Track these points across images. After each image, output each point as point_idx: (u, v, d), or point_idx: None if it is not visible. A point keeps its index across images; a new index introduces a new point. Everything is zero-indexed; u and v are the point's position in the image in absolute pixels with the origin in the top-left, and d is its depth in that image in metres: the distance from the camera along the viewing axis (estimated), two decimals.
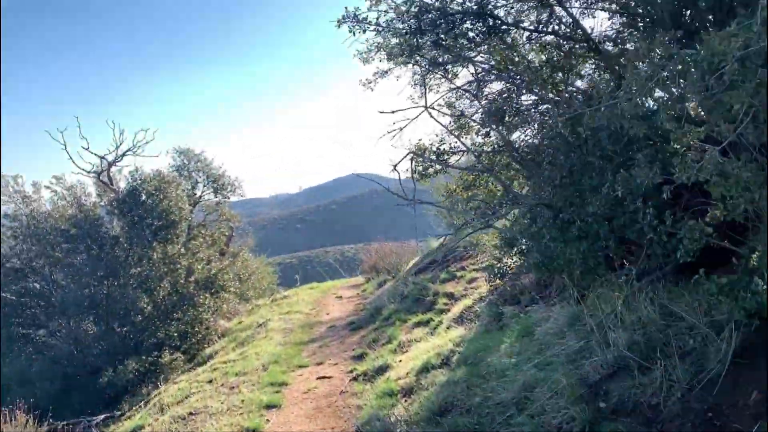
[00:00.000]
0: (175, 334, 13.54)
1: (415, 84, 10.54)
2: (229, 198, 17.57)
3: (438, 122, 9.89)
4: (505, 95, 9.67)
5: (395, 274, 18.51)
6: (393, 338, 10.68)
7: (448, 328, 9.81)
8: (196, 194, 17.34)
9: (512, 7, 8.96)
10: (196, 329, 14.07)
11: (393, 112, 9.70)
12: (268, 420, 7.60)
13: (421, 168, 10.68)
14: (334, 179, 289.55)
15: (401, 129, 10.08)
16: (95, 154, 15.56)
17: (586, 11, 8.63)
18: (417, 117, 10.53)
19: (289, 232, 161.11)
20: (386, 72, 10.57)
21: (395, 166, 10.33)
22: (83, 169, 15.56)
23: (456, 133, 10.50)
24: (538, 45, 9.09)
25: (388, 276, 18.84)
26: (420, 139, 10.69)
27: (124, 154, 15.46)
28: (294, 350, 11.12)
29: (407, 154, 10.49)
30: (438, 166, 10.12)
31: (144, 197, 13.94)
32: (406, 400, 6.97)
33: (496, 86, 10.14)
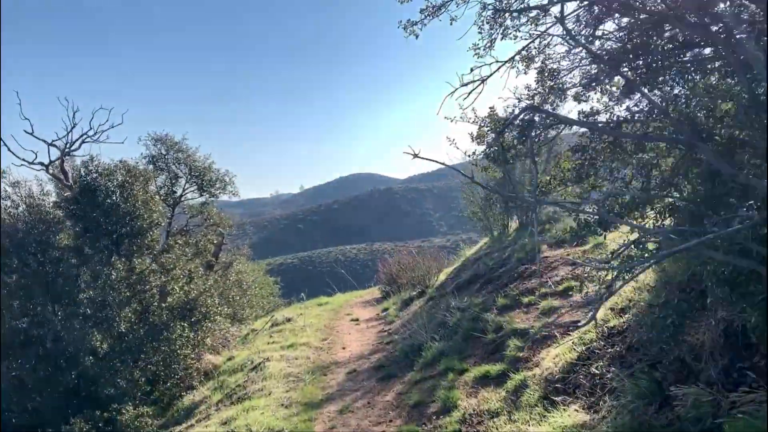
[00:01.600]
0: (142, 380, 9.90)
1: (483, 23, 6.92)
2: (217, 197, 13.91)
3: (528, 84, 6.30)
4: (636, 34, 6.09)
5: (423, 289, 14.87)
6: (450, 405, 7.07)
7: (544, 400, 6.16)
8: (176, 193, 13.66)
9: None
10: (172, 370, 10.44)
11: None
12: None
13: (493, 148, 7.09)
14: (337, 179, 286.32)
15: (480, 83, 6.51)
16: (45, 141, 11.90)
17: None
18: (489, 77, 6.99)
19: (291, 232, 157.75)
20: (440, 7, 7.02)
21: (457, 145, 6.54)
22: (25, 160, 11.90)
23: (550, 98, 6.87)
24: None
25: (414, 292, 15.19)
26: (492, 108, 7.09)
27: (81, 141, 11.82)
28: (303, 421, 7.44)
29: (481, 126, 6.93)
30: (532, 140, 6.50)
31: (102, 196, 10.30)
32: None
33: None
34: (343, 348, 11.20)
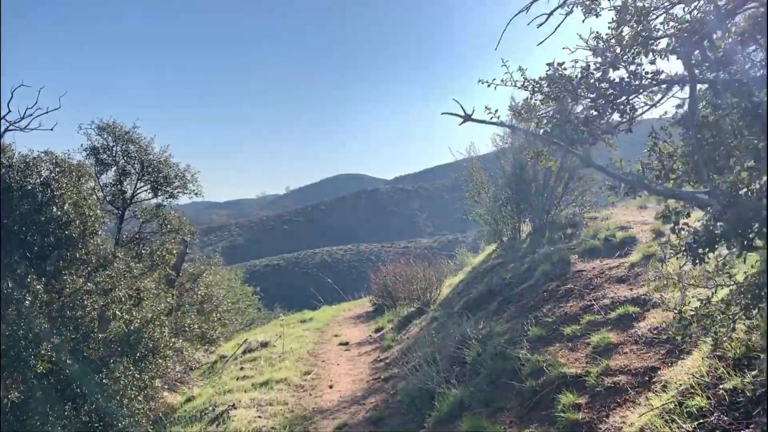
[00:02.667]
0: None
1: None
2: (176, 197, 11.43)
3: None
4: None
5: (423, 305, 12.55)
6: None
7: None
8: (125, 193, 11.15)
9: None
10: (111, 419, 8.02)
11: None
12: None
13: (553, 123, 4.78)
14: (322, 180, 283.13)
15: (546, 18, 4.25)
16: None
17: None
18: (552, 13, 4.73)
19: (277, 233, 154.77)
20: None
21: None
22: None
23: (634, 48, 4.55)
24: None
25: (412, 308, 12.88)
26: (558, 64, 4.75)
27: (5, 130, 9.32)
28: None
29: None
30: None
31: (16, 196, 7.87)
32: None
33: None
34: (330, 386, 8.83)
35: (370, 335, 12.41)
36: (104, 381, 8.24)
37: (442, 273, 14.39)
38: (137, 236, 11.02)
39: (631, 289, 7.65)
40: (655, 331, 6.31)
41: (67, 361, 8.40)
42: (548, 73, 4.65)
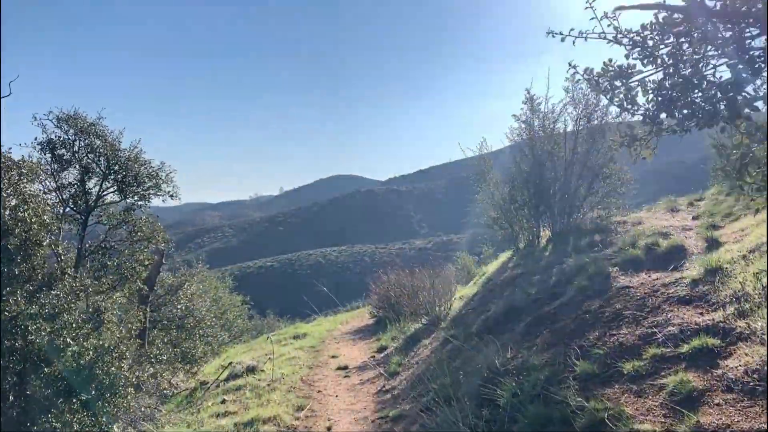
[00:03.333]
0: None
1: None
2: (148, 200, 9.77)
3: None
4: None
5: (432, 321, 11.01)
6: None
7: None
8: (89, 194, 9.48)
9: None
10: None
11: None
12: None
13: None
14: (316, 181, 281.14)
15: None
16: None
17: None
18: None
19: (271, 234, 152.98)
20: None
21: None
22: None
23: None
24: None
25: (419, 323, 11.34)
26: None
27: None
28: None
29: None
30: None
31: None
32: None
33: None
34: (329, 429, 7.25)
35: (373, 356, 10.87)
36: (53, 425, 6.66)
37: (450, 282, 12.85)
38: (102, 245, 9.41)
39: (701, 314, 6.13)
40: (754, 375, 4.82)
41: (10, 399, 6.85)
42: (654, 20, 3.10)
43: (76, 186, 9.48)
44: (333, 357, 11.03)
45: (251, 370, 9.81)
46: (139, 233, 9.49)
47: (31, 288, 6.87)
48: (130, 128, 10.08)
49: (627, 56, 3.09)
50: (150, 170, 9.81)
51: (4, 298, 6.79)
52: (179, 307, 11.62)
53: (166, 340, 9.75)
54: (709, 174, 15.37)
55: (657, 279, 7.45)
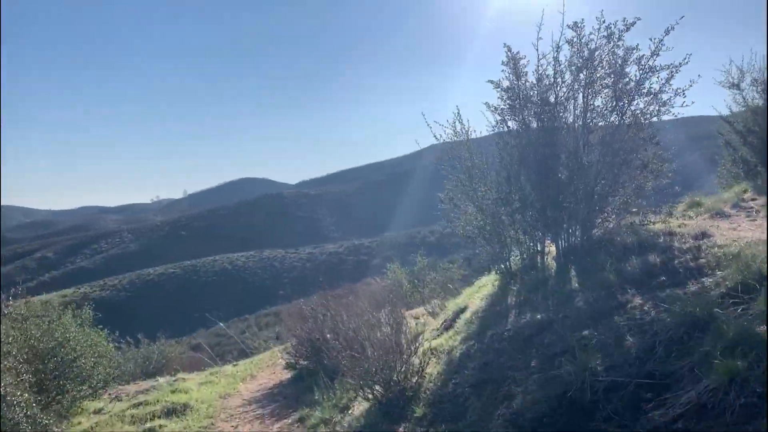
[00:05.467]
0: None
1: None
2: None
3: None
4: None
5: (394, 398, 6.51)
6: None
7: None
8: None
9: None
10: None
11: None
12: None
13: None
14: (222, 184, 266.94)
15: None
16: None
17: None
18: None
19: (173, 239, 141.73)
20: None
21: None
22: None
23: None
24: None
25: (369, 398, 6.79)
26: None
27: None
28: None
29: None
30: None
31: None
32: None
33: None
34: None
35: None
36: None
37: (405, 319, 8.37)
38: None
39: None
40: None
41: None
42: None
43: None
44: None
45: None
46: None
47: None
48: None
49: None
50: None
51: None
52: None
53: None
54: (718, 172, 12.19)
55: None
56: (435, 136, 8.12)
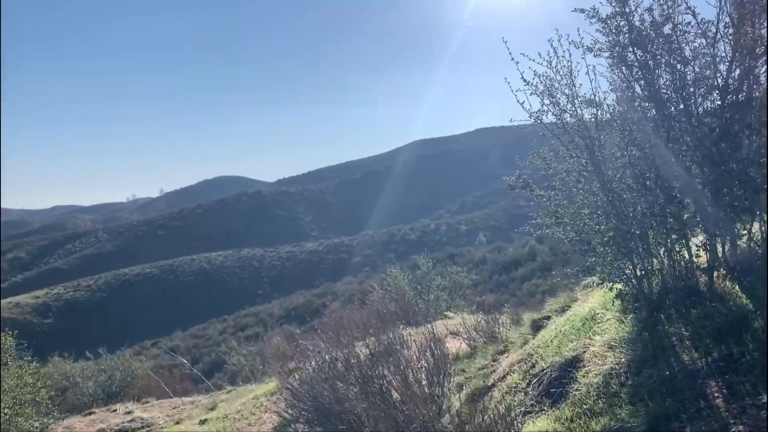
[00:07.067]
0: None
1: None
2: None
3: None
4: None
5: None
6: None
7: None
8: None
9: None
10: None
11: None
12: None
13: None
14: (200, 182, 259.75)
15: None
16: None
17: None
18: None
19: (150, 239, 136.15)
20: None
21: None
22: None
23: None
24: None
25: None
26: None
27: None
28: None
29: None
30: None
31: None
32: None
33: None
34: None
35: None
36: None
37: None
38: None
39: None
40: None
41: None
42: None
43: None
44: None
45: None
46: None
47: None
48: None
49: None
50: None
51: None
52: None
53: None
54: None
55: None
56: (523, 78, 4.97)
